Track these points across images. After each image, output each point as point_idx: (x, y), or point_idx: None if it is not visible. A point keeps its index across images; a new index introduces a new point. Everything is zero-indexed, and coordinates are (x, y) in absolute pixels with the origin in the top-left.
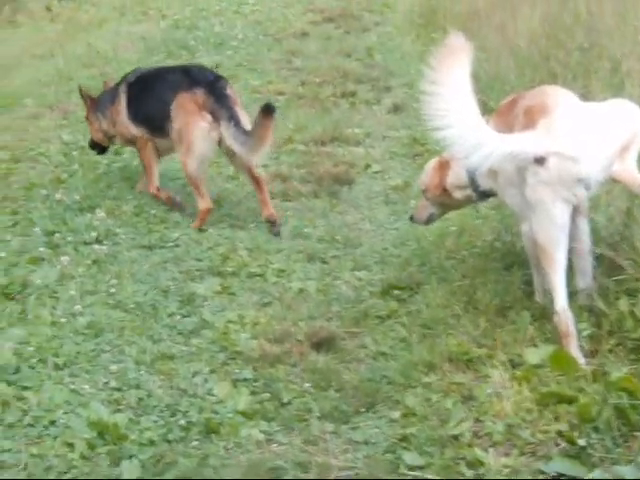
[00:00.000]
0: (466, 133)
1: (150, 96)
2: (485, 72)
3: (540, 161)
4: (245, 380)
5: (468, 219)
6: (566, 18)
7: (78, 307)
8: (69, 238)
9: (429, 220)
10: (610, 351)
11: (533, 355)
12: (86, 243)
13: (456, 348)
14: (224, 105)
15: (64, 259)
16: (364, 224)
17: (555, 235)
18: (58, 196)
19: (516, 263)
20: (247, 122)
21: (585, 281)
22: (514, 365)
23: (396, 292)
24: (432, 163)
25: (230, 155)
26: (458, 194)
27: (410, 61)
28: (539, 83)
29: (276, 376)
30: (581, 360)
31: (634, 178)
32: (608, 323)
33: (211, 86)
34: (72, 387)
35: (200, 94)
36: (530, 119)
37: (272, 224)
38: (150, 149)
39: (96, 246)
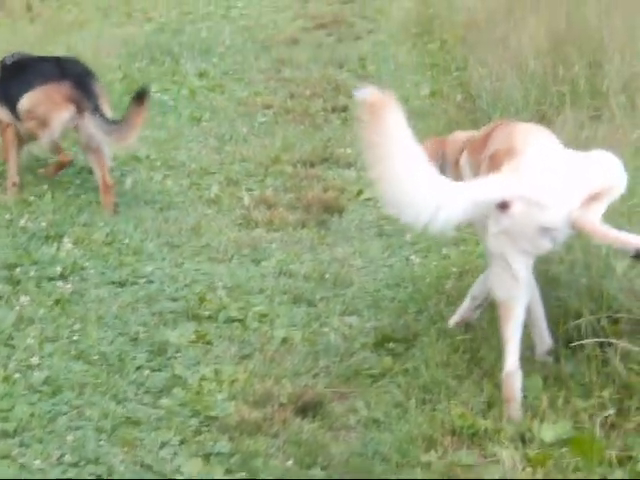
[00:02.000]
0: (421, 197)
1: (20, 79)
2: (487, 90)
3: (503, 207)
4: (219, 455)
5: (471, 257)
6: (573, 32)
7: (35, 359)
8: (32, 272)
9: None
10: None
11: (548, 432)
12: (50, 279)
13: (459, 420)
14: (90, 98)
15: (24, 299)
16: (355, 259)
17: (515, 290)
18: (23, 222)
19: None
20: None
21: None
22: (525, 441)
23: (391, 345)
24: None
25: (89, 148)
26: None
27: (405, 73)
28: (546, 104)
29: (255, 449)
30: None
31: (594, 227)
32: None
33: (79, 79)
34: (21, 461)
35: (67, 86)
36: (496, 163)
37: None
38: (10, 135)
39: (60, 283)
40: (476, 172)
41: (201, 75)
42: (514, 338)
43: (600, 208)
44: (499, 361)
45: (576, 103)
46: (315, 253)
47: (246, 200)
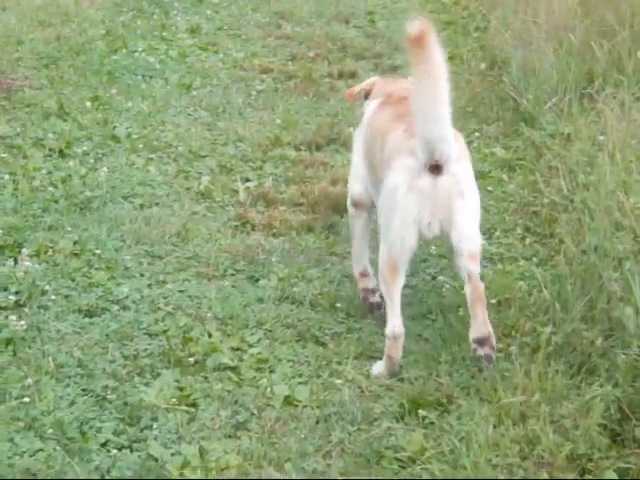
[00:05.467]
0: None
1: None
2: (517, 62)
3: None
4: None
5: (510, 280)
6: None
7: None
8: None
9: None
10: None
11: None
12: (1, 308)
13: None
14: None
15: None
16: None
17: (407, 251)
18: None
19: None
20: None
21: None
22: None
23: (421, 412)
24: None
25: None
26: None
27: None
28: (586, 82)
29: None
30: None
31: None
32: None
33: None
34: None
35: None
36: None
37: None
38: None
39: (13, 317)
40: None
41: (193, 31)
42: (398, 300)
43: None
44: (564, 446)
45: (620, 81)
46: (323, 268)
47: (241, 195)
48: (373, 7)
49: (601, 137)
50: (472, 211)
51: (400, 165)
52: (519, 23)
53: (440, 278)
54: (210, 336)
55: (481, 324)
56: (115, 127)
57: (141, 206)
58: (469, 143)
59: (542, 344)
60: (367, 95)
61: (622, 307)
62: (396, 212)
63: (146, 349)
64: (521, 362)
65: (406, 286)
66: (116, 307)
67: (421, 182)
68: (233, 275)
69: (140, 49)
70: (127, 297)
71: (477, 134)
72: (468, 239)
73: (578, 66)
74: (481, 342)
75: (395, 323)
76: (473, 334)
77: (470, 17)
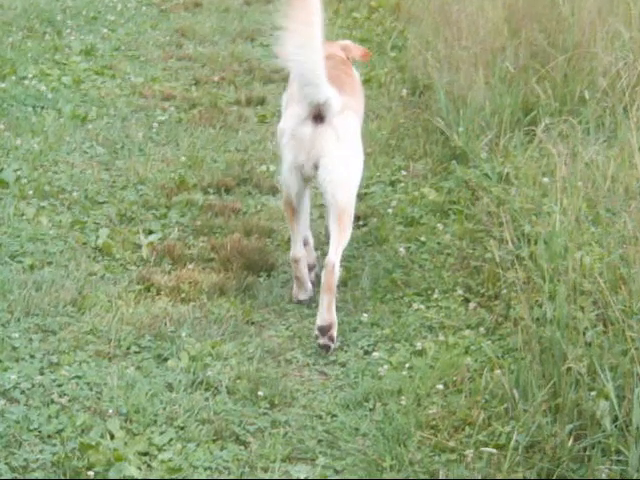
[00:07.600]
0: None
1: None
2: (443, 90)
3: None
4: None
5: (454, 356)
6: (537, 10)
7: None
8: None
9: None
10: None
11: None
12: None
13: None
14: None
15: None
16: (295, 351)
17: (300, 189)
18: None
19: None
20: None
21: None
22: None
23: None
24: None
25: None
26: None
27: None
28: (520, 112)
29: None
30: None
31: None
32: None
33: None
34: None
35: None
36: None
37: None
38: None
39: None
40: None
41: (87, 53)
42: (299, 232)
43: None
44: None
45: (558, 109)
46: (240, 341)
47: (144, 251)
48: (279, 22)
49: (545, 179)
50: (348, 159)
51: (289, 113)
52: (441, 44)
53: (375, 354)
54: (112, 438)
55: (325, 311)
56: (2, 169)
57: (31, 267)
58: (395, 182)
59: (505, 447)
60: None
61: (594, 399)
62: (282, 156)
63: (37, 459)
64: (479, 467)
65: (335, 362)
66: (2, 401)
67: (302, 129)
68: (137, 353)
69: (31, 75)
70: (15, 387)
71: (403, 172)
72: (338, 186)
73: (513, 95)
74: (322, 331)
75: (296, 249)
76: (317, 322)
77: (385, 34)
